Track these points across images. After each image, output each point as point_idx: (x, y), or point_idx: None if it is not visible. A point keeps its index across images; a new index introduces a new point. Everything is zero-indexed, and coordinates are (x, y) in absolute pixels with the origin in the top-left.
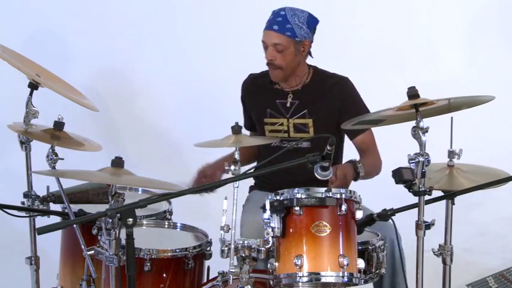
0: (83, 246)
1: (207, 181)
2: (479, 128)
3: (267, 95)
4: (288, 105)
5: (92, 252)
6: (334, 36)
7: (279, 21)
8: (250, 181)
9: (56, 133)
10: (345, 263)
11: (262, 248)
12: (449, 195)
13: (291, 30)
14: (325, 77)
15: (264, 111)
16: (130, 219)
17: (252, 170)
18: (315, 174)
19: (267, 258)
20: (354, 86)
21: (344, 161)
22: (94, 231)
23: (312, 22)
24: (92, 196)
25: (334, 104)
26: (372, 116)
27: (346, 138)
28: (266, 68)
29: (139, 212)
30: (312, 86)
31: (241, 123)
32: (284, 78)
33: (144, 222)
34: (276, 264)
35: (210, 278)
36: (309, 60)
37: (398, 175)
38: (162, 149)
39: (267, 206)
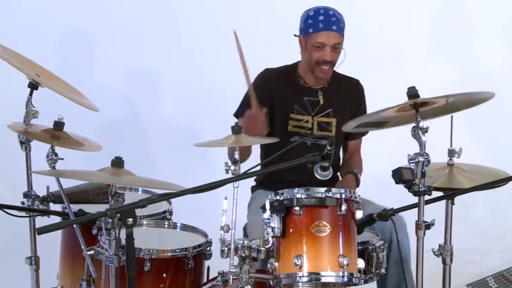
0: (83, 246)
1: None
2: (479, 127)
3: (295, 91)
4: (321, 102)
5: (92, 252)
6: None
7: (335, 21)
8: (250, 182)
9: (56, 133)
10: (345, 263)
11: (262, 248)
12: (449, 195)
13: (343, 29)
14: (341, 77)
15: (292, 107)
16: (130, 219)
17: (252, 170)
18: (315, 174)
19: (267, 258)
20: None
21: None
22: (94, 231)
23: None
24: (92, 196)
25: (353, 106)
26: (373, 117)
27: None
28: (269, 65)
29: (139, 212)
30: (334, 85)
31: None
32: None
33: (144, 222)
34: (276, 264)
35: (210, 278)
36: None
37: (398, 175)
38: (162, 149)
39: (267, 206)
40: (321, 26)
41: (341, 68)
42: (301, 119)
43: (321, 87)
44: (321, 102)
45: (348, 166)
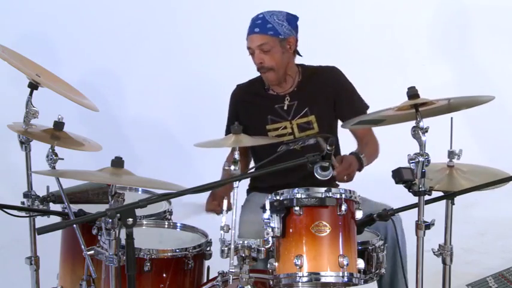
0: (82, 246)
1: (218, 202)
2: (479, 128)
3: (263, 102)
4: (286, 108)
5: (92, 252)
6: (333, 36)
7: (259, 23)
8: (247, 184)
9: (56, 133)
10: (345, 263)
11: (262, 248)
12: (449, 195)
13: (272, 29)
14: (315, 71)
15: (265, 119)
16: (130, 219)
17: (252, 170)
18: (315, 174)
19: (267, 258)
20: (343, 73)
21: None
22: (94, 231)
23: (292, 19)
24: (92, 196)
25: (329, 95)
26: (372, 116)
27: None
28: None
29: (139, 212)
30: (305, 83)
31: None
32: (278, 80)
33: (144, 222)
34: (276, 264)
35: (210, 278)
36: (300, 59)
37: (398, 175)
38: (162, 149)
39: (267, 206)
40: (247, 33)
41: (341, 66)
42: (279, 126)
43: (289, 91)
44: (294, 104)
45: (359, 148)
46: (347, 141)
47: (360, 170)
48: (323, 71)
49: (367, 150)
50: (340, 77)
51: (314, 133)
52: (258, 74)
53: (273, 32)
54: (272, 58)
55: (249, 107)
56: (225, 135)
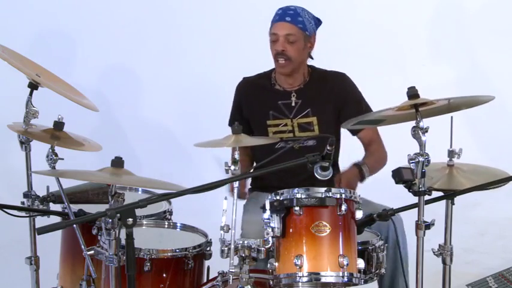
0: (82, 246)
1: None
2: (479, 128)
3: (268, 97)
4: (293, 104)
5: (92, 252)
6: (333, 36)
7: (291, 13)
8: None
9: (56, 133)
10: (345, 263)
11: (262, 248)
12: (449, 195)
13: (302, 23)
14: (324, 74)
15: (266, 114)
16: (130, 219)
17: (252, 170)
18: (315, 174)
19: (267, 258)
20: (352, 81)
21: (342, 157)
22: (94, 231)
23: (317, 22)
24: (92, 196)
25: (335, 101)
26: (372, 116)
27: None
28: (265, 68)
29: (139, 212)
30: (312, 84)
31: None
32: (290, 72)
33: (144, 222)
34: (276, 264)
35: (210, 278)
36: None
37: (398, 175)
38: (162, 149)
39: (267, 206)
40: (275, 18)
41: (341, 66)
42: (279, 123)
43: (296, 88)
44: (298, 103)
45: (364, 157)
46: (350, 144)
47: (361, 181)
48: (331, 76)
49: (372, 161)
50: (348, 85)
51: (314, 134)
52: (260, 71)
53: (302, 26)
54: (293, 50)
55: (252, 100)
56: (228, 125)
